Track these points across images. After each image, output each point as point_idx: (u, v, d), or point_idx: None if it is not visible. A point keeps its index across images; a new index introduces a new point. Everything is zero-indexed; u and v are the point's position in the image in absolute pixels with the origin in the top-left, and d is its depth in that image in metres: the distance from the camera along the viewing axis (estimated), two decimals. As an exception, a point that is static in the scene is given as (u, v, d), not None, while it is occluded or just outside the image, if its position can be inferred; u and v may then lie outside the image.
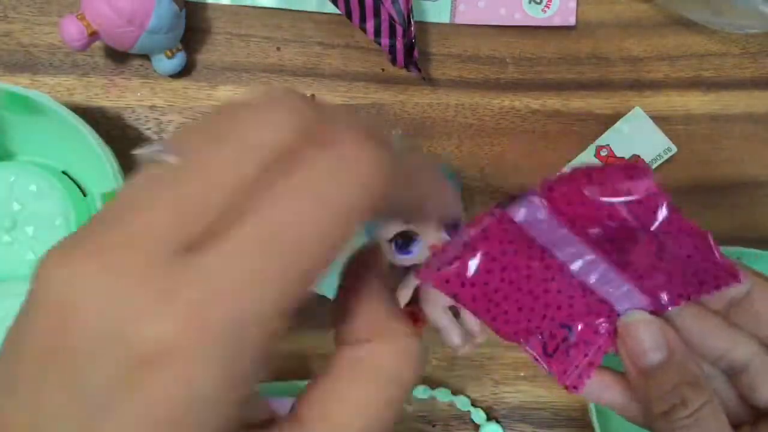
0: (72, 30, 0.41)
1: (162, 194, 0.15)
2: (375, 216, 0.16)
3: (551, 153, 0.47)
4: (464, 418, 0.45)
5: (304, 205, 0.14)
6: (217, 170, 0.15)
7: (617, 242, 0.24)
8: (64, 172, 0.45)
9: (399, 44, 0.44)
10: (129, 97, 0.47)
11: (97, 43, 0.44)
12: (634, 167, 0.24)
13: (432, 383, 0.45)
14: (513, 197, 0.23)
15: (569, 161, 0.47)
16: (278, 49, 0.47)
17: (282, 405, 0.45)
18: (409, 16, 0.43)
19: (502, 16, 0.47)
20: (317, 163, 0.15)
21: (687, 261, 0.25)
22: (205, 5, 0.47)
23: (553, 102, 0.47)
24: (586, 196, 0.23)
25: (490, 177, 0.47)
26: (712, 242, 0.26)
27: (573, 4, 0.47)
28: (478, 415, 0.44)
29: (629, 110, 0.47)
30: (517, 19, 0.47)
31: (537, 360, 0.25)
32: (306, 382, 0.45)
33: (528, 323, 0.24)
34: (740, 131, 0.47)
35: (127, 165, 0.42)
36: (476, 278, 0.22)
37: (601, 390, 0.26)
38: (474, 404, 0.45)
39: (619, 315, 0.25)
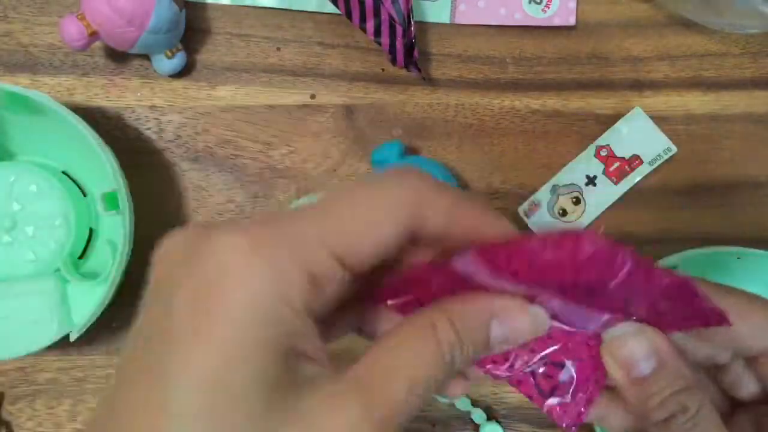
0: (72, 30, 0.41)
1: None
2: None
3: (551, 153, 0.47)
4: (464, 418, 0.45)
5: None
6: None
7: (577, 292, 0.22)
8: (64, 172, 0.45)
9: (399, 44, 0.44)
10: (129, 97, 0.47)
11: (97, 43, 0.44)
12: (575, 239, 0.21)
13: (432, 383, 0.45)
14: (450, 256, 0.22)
15: (569, 161, 0.47)
16: (278, 49, 0.47)
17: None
18: (409, 16, 0.43)
19: (502, 16, 0.47)
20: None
21: (666, 307, 0.23)
22: (205, 5, 0.47)
23: (553, 102, 0.47)
24: (530, 262, 0.21)
25: (491, 177, 0.47)
26: (696, 289, 0.22)
27: (573, 4, 0.47)
28: (478, 415, 0.44)
29: (629, 110, 0.47)
30: (517, 19, 0.47)
31: (532, 399, 0.24)
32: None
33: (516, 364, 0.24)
34: (740, 131, 0.47)
35: (127, 165, 0.42)
36: None
37: (599, 415, 0.26)
38: (474, 404, 0.45)
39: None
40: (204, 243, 0.20)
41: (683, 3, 0.46)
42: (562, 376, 0.24)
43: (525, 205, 0.47)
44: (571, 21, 0.47)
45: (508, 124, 0.47)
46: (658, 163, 0.46)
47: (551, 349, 0.24)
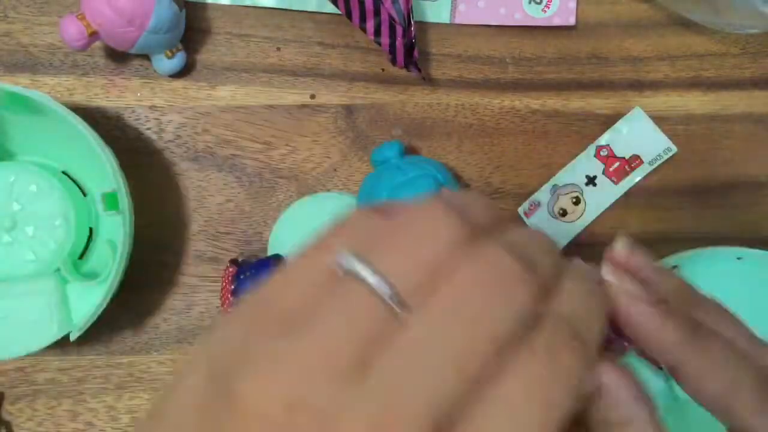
0: (72, 30, 0.41)
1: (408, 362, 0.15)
2: None
3: (551, 153, 0.47)
4: (464, 418, 0.45)
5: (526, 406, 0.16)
6: (453, 354, 0.15)
7: None
8: (64, 172, 0.45)
9: (399, 44, 0.44)
10: (129, 97, 0.47)
11: (97, 43, 0.44)
12: None
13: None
14: None
15: (569, 161, 0.47)
16: (278, 49, 0.47)
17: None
18: (409, 16, 0.43)
19: (502, 16, 0.47)
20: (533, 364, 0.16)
21: None
22: (205, 5, 0.47)
23: (553, 102, 0.47)
24: None
25: (491, 177, 0.47)
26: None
27: (573, 4, 0.47)
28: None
29: (629, 110, 0.47)
30: (517, 19, 0.47)
31: None
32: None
33: None
34: (740, 131, 0.47)
35: (127, 165, 0.42)
36: None
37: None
38: (474, 404, 0.45)
39: None
40: None
41: (683, 3, 0.46)
42: None
43: (525, 205, 0.47)
44: (571, 21, 0.47)
45: (508, 124, 0.47)
46: (658, 163, 0.47)
47: None
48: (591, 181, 0.47)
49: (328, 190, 0.47)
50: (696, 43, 0.48)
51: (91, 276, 0.44)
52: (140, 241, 0.43)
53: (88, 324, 0.40)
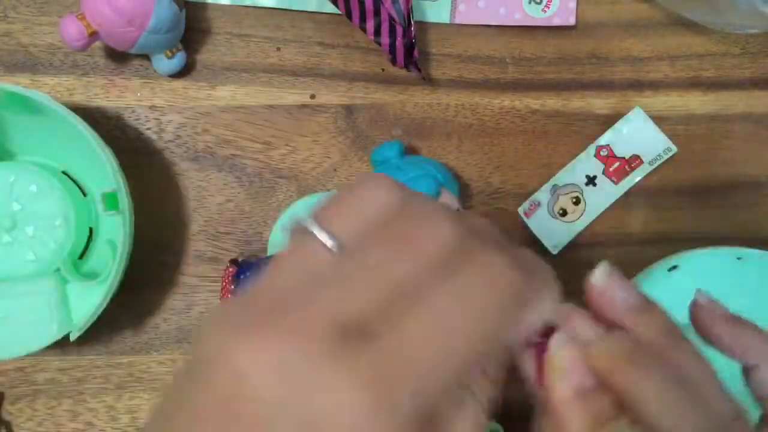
0: (72, 30, 0.41)
1: (329, 286, 0.18)
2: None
3: (551, 153, 0.47)
4: (464, 418, 0.45)
5: (463, 307, 0.18)
6: (378, 269, 0.18)
7: None
8: (64, 172, 0.45)
9: (399, 44, 0.44)
10: (129, 97, 0.47)
11: (97, 43, 0.44)
12: None
13: (432, 383, 0.45)
14: None
15: (569, 161, 0.47)
16: (278, 49, 0.47)
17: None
18: (409, 16, 0.43)
19: (502, 16, 0.47)
20: (470, 274, 0.18)
21: None
22: (205, 5, 0.47)
23: (553, 102, 0.47)
24: None
25: (491, 177, 0.47)
26: None
27: (573, 4, 0.47)
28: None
29: (629, 110, 0.47)
30: (517, 19, 0.47)
31: None
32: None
33: None
34: (740, 131, 0.47)
35: (127, 165, 0.42)
36: None
37: None
38: (474, 404, 0.45)
39: None
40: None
41: (683, 3, 0.46)
42: None
43: (525, 205, 0.47)
44: (571, 21, 0.47)
45: (508, 124, 0.47)
46: (658, 163, 0.46)
47: None
48: (591, 181, 0.47)
49: (328, 190, 0.47)
50: (696, 43, 0.48)
51: (91, 276, 0.44)
52: (140, 241, 0.43)
53: (88, 324, 0.40)
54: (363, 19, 0.44)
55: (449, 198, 0.43)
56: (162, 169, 0.47)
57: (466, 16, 0.47)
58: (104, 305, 0.40)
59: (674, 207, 0.47)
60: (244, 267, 0.43)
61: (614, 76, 0.47)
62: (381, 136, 0.47)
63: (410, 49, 0.44)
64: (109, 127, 0.46)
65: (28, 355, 0.41)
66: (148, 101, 0.47)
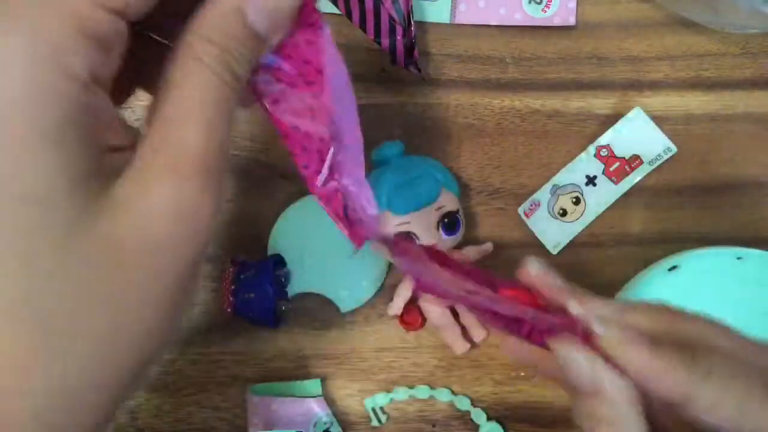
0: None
1: None
2: None
3: (551, 153, 0.47)
4: (464, 418, 0.45)
5: None
6: None
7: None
8: (64, 172, 0.45)
9: (399, 44, 0.44)
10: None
11: (97, 43, 0.44)
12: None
13: (432, 383, 0.45)
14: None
15: (569, 161, 0.47)
16: (278, 49, 0.47)
17: (282, 405, 0.45)
18: (409, 16, 0.43)
19: (502, 15, 0.47)
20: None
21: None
22: (205, 5, 0.47)
23: (553, 102, 0.47)
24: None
25: (491, 177, 0.47)
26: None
27: (573, 4, 0.47)
28: (478, 415, 0.44)
29: (629, 110, 0.47)
30: (517, 19, 0.47)
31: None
32: (306, 382, 0.45)
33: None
34: (740, 131, 0.47)
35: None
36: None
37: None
38: (474, 404, 0.45)
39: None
40: None
41: (683, 3, 0.46)
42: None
43: (525, 205, 0.47)
44: (571, 21, 0.47)
45: (508, 124, 0.47)
46: (658, 163, 0.46)
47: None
48: (591, 181, 0.47)
49: (328, 190, 0.47)
50: (696, 43, 0.48)
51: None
52: (140, 241, 0.43)
53: (88, 324, 0.40)
54: (363, 19, 0.44)
55: (449, 198, 0.43)
56: (162, 169, 0.47)
57: (466, 16, 0.47)
58: (104, 305, 0.40)
59: (674, 207, 0.47)
60: (244, 267, 0.43)
61: (614, 76, 0.47)
62: (381, 136, 0.47)
63: (410, 49, 0.44)
64: (109, 127, 0.46)
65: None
66: (148, 101, 0.47)
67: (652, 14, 0.48)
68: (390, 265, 0.45)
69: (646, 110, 0.47)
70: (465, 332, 0.44)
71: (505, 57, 0.48)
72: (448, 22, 0.47)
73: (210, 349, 0.45)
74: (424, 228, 0.42)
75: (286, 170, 0.47)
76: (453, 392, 0.45)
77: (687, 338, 0.23)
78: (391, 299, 0.44)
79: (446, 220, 0.42)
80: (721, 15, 0.45)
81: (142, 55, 0.21)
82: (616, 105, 0.47)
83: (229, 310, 0.43)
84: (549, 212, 0.47)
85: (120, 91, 0.22)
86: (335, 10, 0.45)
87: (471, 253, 0.44)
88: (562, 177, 0.47)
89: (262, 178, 0.47)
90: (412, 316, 0.44)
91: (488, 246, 0.45)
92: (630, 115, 0.47)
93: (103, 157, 0.18)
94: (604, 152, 0.47)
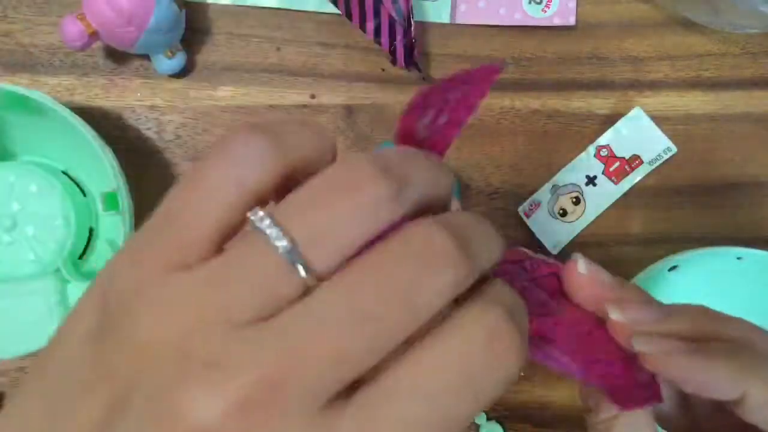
0: (72, 30, 0.41)
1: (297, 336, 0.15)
2: None
3: (551, 153, 0.47)
4: (464, 418, 0.45)
5: (447, 379, 0.15)
6: (365, 318, 0.15)
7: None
8: (64, 172, 0.45)
9: (399, 44, 0.44)
10: (129, 97, 0.47)
11: (97, 43, 0.44)
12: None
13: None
14: None
15: (569, 161, 0.47)
16: (278, 49, 0.47)
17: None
18: (409, 16, 0.43)
19: (502, 16, 0.47)
20: (466, 333, 0.15)
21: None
22: (205, 5, 0.47)
23: (553, 102, 0.47)
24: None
25: (491, 177, 0.47)
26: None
27: (573, 4, 0.47)
28: (478, 415, 0.44)
29: (629, 110, 0.47)
30: (517, 19, 0.47)
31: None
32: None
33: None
34: (740, 131, 0.47)
35: (127, 165, 0.42)
36: None
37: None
38: (474, 404, 0.45)
39: None
40: None
41: (683, 3, 0.46)
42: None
43: (525, 205, 0.47)
44: (571, 21, 0.47)
45: (508, 124, 0.47)
46: (658, 163, 0.46)
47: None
48: (591, 181, 0.47)
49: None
50: (696, 43, 0.48)
51: (91, 276, 0.44)
52: (140, 241, 0.43)
53: (88, 324, 0.40)
54: (363, 19, 0.44)
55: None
56: (162, 169, 0.47)
57: (466, 16, 0.47)
58: (104, 305, 0.40)
59: (674, 207, 0.47)
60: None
61: (614, 76, 0.47)
62: (381, 136, 0.47)
63: (410, 49, 0.44)
64: (109, 127, 0.46)
65: (28, 355, 0.41)
66: (148, 101, 0.47)
67: (652, 14, 0.48)
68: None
69: (646, 110, 0.47)
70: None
71: (505, 57, 0.48)
72: (448, 22, 0.47)
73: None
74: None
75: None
76: (453, 392, 0.45)
77: (730, 340, 0.23)
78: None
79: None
80: (721, 15, 0.44)
81: None
82: (616, 105, 0.47)
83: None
84: (549, 212, 0.46)
85: None
86: (335, 10, 0.45)
87: None
88: (562, 177, 0.47)
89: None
90: None
91: None
92: (630, 115, 0.47)
93: None
94: (604, 152, 0.47)
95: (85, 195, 0.46)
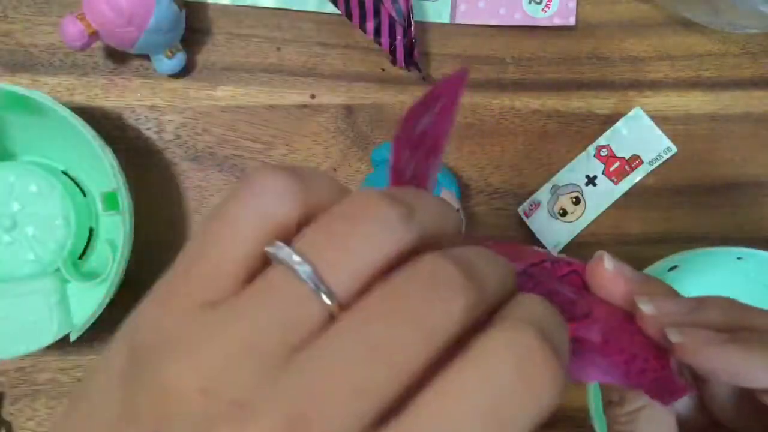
0: (72, 30, 0.41)
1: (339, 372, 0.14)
2: None
3: (551, 153, 0.47)
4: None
5: (474, 410, 0.14)
6: (383, 349, 0.14)
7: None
8: (64, 172, 0.45)
9: (399, 44, 0.44)
10: (129, 97, 0.47)
11: (97, 43, 0.44)
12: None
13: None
14: None
15: (569, 161, 0.47)
16: (278, 49, 0.47)
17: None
18: (409, 16, 0.43)
19: (502, 15, 0.47)
20: (492, 359, 0.15)
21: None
22: (205, 5, 0.47)
23: (553, 102, 0.47)
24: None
25: (490, 177, 0.47)
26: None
27: (573, 4, 0.47)
28: None
29: (629, 110, 0.47)
30: (517, 19, 0.47)
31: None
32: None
33: None
34: (740, 131, 0.47)
35: (127, 165, 0.42)
36: None
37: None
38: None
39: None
40: None
41: (683, 3, 0.46)
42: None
43: (525, 205, 0.47)
44: (571, 21, 0.47)
45: (508, 124, 0.47)
46: (658, 163, 0.47)
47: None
48: (591, 181, 0.47)
49: (328, 190, 0.47)
50: (696, 43, 0.48)
51: (91, 276, 0.44)
52: (140, 241, 0.43)
53: (88, 324, 0.40)
54: (363, 19, 0.44)
55: (449, 198, 0.43)
56: (162, 169, 0.47)
57: (466, 16, 0.47)
58: (104, 305, 0.40)
59: (674, 207, 0.47)
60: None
61: (614, 76, 0.47)
62: (381, 136, 0.47)
63: (410, 49, 0.44)
64: (109, 127, 0.46)
65: (28, 355, 0.41)
66: (148, 101, 0.47)
67: (652, 14, 0.48)
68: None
69: (646, 110, 0.47)
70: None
71: (505, 57, 0.48)
72: (448, 22, 0.47)
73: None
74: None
75: (286, 170, 0.47)
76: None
77: (759, 330, 0.23)
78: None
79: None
80: (721, 15, 0.44)
81: None
82: (616, 105, 0.47)
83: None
84: (549, 212, 0.47)
85: None
86: (335, 10, 0.45)
87: None
88: (562, 177, 0.47)
89: (262, 178, 0.47)
90: None
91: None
92: (630, 115, 0.47)
93: None
94: (604, 152, 0.47)
95: (85, 195, 0.46)
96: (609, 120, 0.47)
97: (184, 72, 0.46)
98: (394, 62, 0.45)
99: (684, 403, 0.26)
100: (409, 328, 0.15)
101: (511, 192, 0.47)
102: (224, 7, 0.47)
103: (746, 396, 0.23)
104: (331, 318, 0.15)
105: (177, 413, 0.15)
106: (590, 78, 0.47)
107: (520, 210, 0.47)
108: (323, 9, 0.47)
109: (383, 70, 0.47)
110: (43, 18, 0.46)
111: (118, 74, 0.47)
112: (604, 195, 0.47)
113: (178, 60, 0.45)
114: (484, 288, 0.16)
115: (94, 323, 0.40)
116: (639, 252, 0.46)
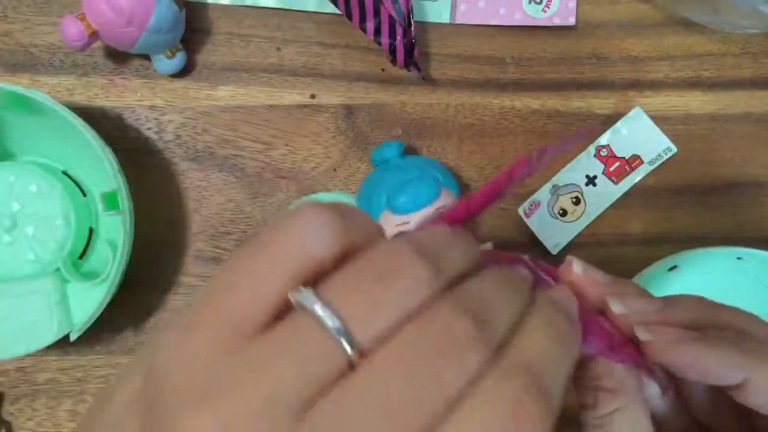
0: (72, 30, 0.41)
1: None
2: None
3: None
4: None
5: None
6: (398, 409, 0.15)
7: None
8: (64, 172, 0.45)
9: (399, 44, 0.44)
10: (129, 97, 0.47)
11: (97, 43, 0.44)
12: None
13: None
14: None
15: (569, 161, 0.47)
16: (278, 49, 0.47)
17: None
18: (409, 16, 0.43)
19: (502, 15, 0.47)
20: (486, 407, 0.16)
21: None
22: (205, 5, 0.47)
23: (553, 102, 0.47)
24: None
25: (490, 177, 0.47)
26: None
27: (573, 4, 0.47)
28: None
29: (629, 110, 0.47)
30: (517, 19, 0.47)
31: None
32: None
33: None
34: (740, 131, 0.47)
35: (127, 165, 0.42)
36: None
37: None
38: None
39: None
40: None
41: (683, 3, 0.46)
42: None
43: (525, 205, 0.47)
44: (571, 21, 0.47)
45: (508, 124, 0.47)
46: (658, 163, 0.47)
47: None
48: (591, 181, 0.47)
49: (328, 190, 0.47)
50: (696, 43, 0.48)
51: (91, 276, 0.44)
52: (140, 241, 0.43)
53: (88, 324, 0.40)
54: (363, 19, 0.44)
55: (449, 198, 0.43)
56: (162, 169, 0.47)
57: (466, 16, 0.47)
58: (104, 305, 0.40)
59: (674, 207, 0.47)
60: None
61: (614, 76, 0.47)
62: (381, 136, 0.47)
63: (410, 49, 0.44)
64: (109, 127, 0.46)
65: (28, 355, 0.41)
66: (148, 101, 0.47)
67: (652, 14, 0.48)
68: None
69: (646, 110, 0.47)
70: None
71: (505, 57, 0.48)
72: (448, 22, 0.47)
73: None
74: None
75: (286, 170, 0.47)
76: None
77: (726, 328, 0.24)
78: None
79: (446, 220, 0.42)
80: (721, 15, 0.44)
81: None
82: (616, 105, 0.47)
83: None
84: (549, 212, 0.47)
85: None
86: (335, 10, 0.45)
87: None
88: (562, 177, 0.47)
89: (262, 178, 0.47)
90: None
91: (488, 246, 0.45)
92: (630, 115, 0.47)
93: None
94: (604, 152, 0.47)
95: (85, 195, 0.46)
96: (609, 120, 0.47)
97: (184, 72, 0.46)
98: (394, 62, 0.45)
99: (663, 404, 0.26)
100: (424, 388, 0.15)
101: (511, 192, 0.47)
102: (224, 7, 0.47)
103: (722, 394, 0.23)
104: (350, 364, 0.16)
105: None
106: (590, 78, 0.48)
107: (520, 210, 0.47)
108: (323, 9, 0.47)
109: (383, 70, 0.47)
110: (43, 18, 0.46)
111: (118, 74, 0.47)
112: (604, 195, 0.47)
113: (178, 60, 0.45)
114: (497, 331, 0.17)
115: (94, 323, 0.40)
116: (639, 252, 0.46)
